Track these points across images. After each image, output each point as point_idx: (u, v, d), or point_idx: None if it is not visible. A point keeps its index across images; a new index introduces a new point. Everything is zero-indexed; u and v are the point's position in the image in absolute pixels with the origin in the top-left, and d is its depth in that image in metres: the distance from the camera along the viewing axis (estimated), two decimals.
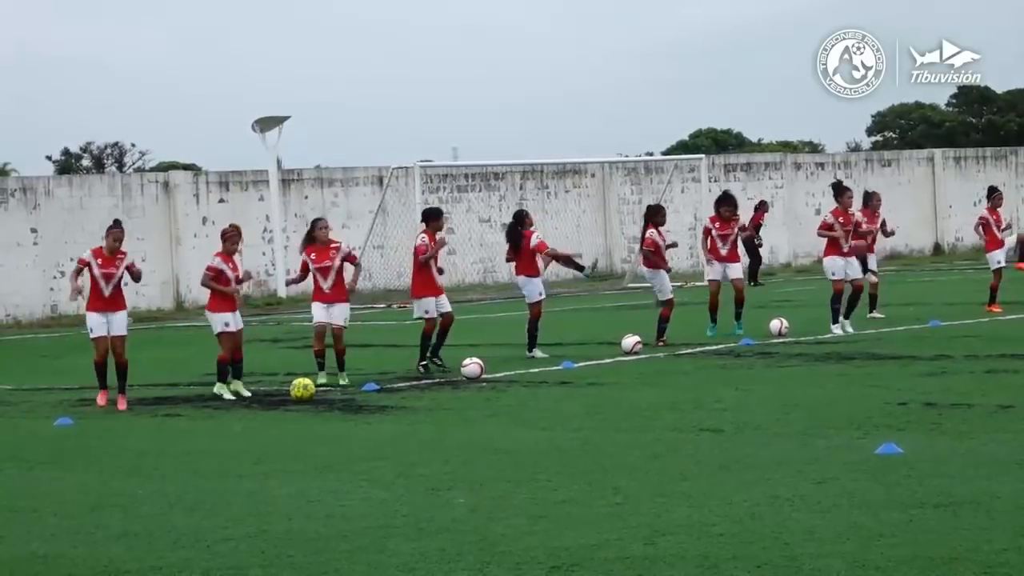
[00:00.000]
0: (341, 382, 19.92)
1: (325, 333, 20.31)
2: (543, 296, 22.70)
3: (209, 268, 19.26)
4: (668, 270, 23.99)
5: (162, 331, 31.91)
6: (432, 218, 21.67)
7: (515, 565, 9.39)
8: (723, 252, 24.64)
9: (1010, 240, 28.03)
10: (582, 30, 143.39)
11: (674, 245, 24.65)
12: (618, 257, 46.13)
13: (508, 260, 23.45)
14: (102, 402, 18.71)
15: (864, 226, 25.23)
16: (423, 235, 21.41)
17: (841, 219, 24.16)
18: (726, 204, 24.97)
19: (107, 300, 18.71)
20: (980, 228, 27.51)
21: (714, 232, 24.73)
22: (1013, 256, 28.49)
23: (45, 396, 20.46)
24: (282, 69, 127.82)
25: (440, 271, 21.53)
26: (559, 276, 40.88)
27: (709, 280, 24.96)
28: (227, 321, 19.03)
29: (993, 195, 28.00)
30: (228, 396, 18.85)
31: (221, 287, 19.07)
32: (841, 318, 24.06)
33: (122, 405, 18.50)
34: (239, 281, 19.23)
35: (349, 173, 42.57)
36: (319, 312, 20.24)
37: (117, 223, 19.37)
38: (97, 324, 18.71)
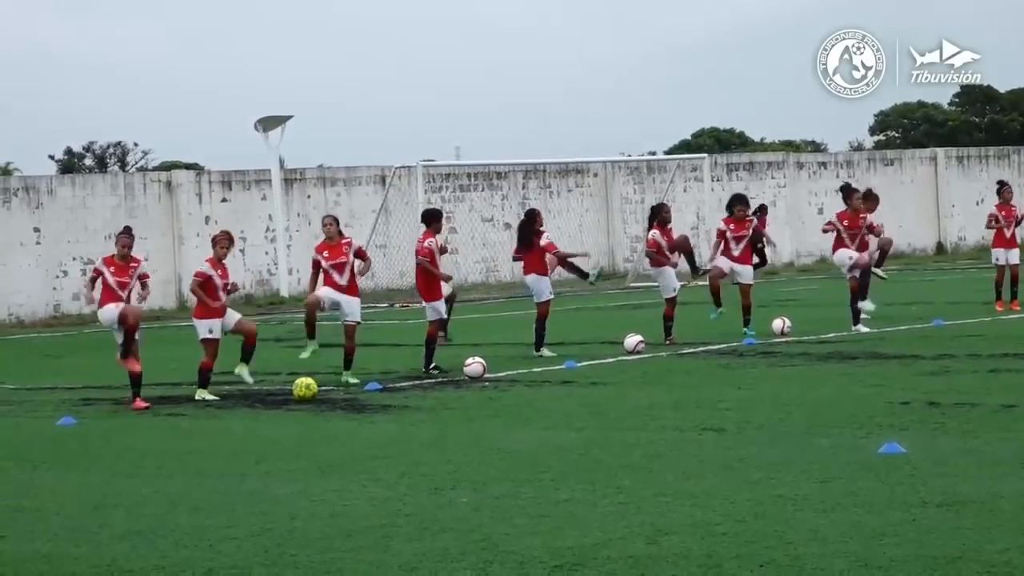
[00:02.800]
0: (351, 381, 19.91)
1: (318, 305, 20.18)
2: (552, 295, 22.70)
3: (197, 274, 19.27)
4: (674, 265, 23.89)
5: (164, 330, 31.91)
6: (432, 220, 21.65)
7: (518, 564, 9.39)
8: (736, 253, 24.30)
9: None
10: (584, 29, 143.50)
11: (675, 260, 24.29)
12: (621, 256, 46.12)
13: (515, 258, 23.45)
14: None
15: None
16: (430, 239, 21.37)
17: (846, 221, 24.16)
18: (741, 203, 24.70)
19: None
20: (992, 222, 27.43)
21: (729, 234, 24.38)
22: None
23: (48, 395, 20.47)
24: (285, 69, 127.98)
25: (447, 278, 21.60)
26: (561, 275, 40.85)
27: (714, 266, 24.37)
28: (211, 328, 18.98)
29: (1002, 189, 27.89)
30: (210, 397, 18.87)
31: (206, 297, 19.03)
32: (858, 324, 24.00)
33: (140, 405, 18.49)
34: (226, 289, 19.17)
35: (352, 172, 42.57)
36: (327, 294, 20.13)
37: (127, 230, 19.23)
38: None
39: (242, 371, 19.21)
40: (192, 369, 19.37)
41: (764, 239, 25.01)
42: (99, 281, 18.89)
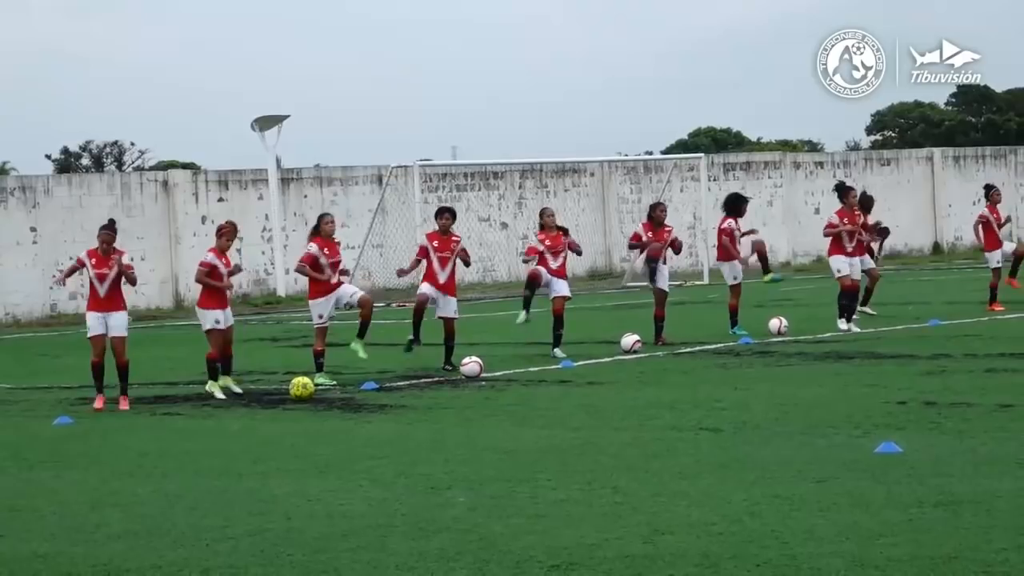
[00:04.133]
0: (360, 354, 20.02)
1: (326, 333, 20.34)
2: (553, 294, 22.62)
3: (202, 263, 19.29)
4: (658, 265, 23.76)
5: (161, 330, 31.91)
6: (435, 216, 21.92)
7: (515, 564, 9.40)
8: (743, 254, 24.51)
9: (1007, 246, 27.82)
10: (582, 30, 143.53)
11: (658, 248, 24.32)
12: (617, 256, 46.13)
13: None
14: (99, 406, 18.54)
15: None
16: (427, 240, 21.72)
17: (846, 219, 24.19)
18: (745, 203, 25.00)
19: (103, 300, 18.71)
20: (979, 227, 27.52)
21: (737, 233, 24.45)
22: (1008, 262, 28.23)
23: (44, 395, 20.47)
24: (281, 68, 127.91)
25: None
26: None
27: (737, 283, 24.31)
28: (217, 318, 19.06)
29: (990, 192, 28.07)
30: (219, 395, 18.86)
31: (214, 282, 19.13)
32: (843, 318, 24.05)
33: (124, 405, 18.48)
34: (231, 274, 19.34)
35: (348, 172, 42.58)
36: (325, 308, 20.22)
37: (108, 224, 19.20)
38: (94, 323, 18.75)
39: (227, 383, 19.13)
40: (189, 369, 19.37)
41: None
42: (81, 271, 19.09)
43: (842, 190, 24.79)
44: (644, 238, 23.66)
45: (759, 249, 24.68)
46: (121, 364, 18.61)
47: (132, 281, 19.02)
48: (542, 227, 22.76)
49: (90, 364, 18.80)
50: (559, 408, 16.78)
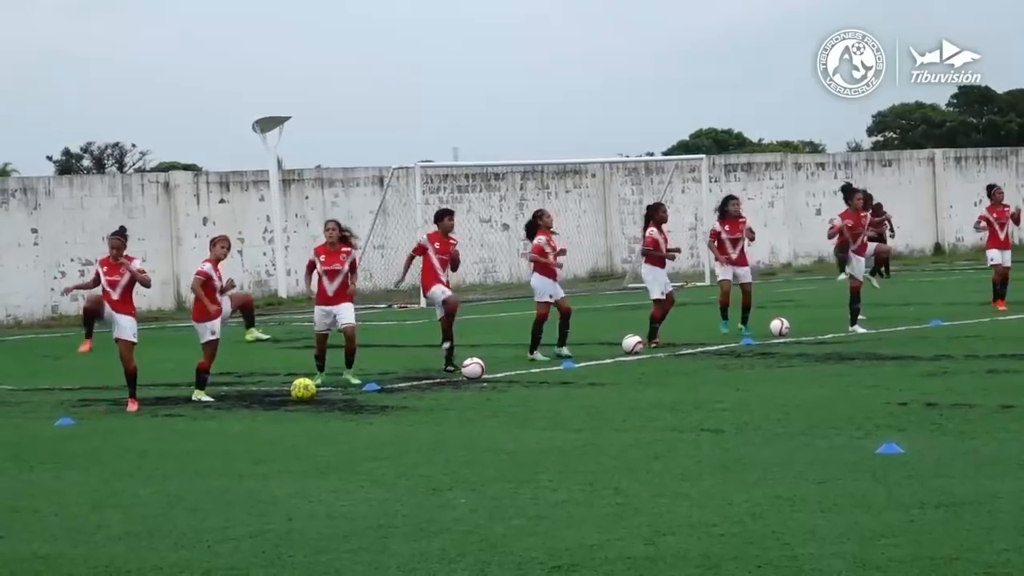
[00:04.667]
0: (353, 381, 19.93)
1: (327, 339, 20.32)
2: (551, 298, 22.47)
3: (199, 272, 19.17)
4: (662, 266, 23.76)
5: (162, 331, 31.91)
6: (437, 219, 21.89)
7: (516, 565, 9.39)
8: (733, 256, 24.34)
9: (1006, 256, 27.68)
10: (582, 30, 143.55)
11: (674, 254, 24.24)
12: (619, 257, 46.13)
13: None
14: (85, 349, 19.18)
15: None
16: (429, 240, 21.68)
17: (850, 221, 24.18)
18: (735, 201, 24.87)
19: (116, 304, 18.69)
20: (982, 223, 27.59)
21: (724, 235, 24.38)
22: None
23: (46, 396, 20.46)
24: (283, 69, 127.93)
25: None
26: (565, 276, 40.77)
27: (721, 280, 24.60)
28: (213, 329, 19.00)
29: (992, 192, 28.12)
30: (206, 399, 18.84)
31: (205, 298, 18.94)
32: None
33: (132, 407, 18.42)
34: (223, 290, 19.25)
35: (349, 173, 42.57)
36: (321, 318, 20.19)
37: (118, 231, 19.18)
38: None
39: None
40: (191, 371, 19.34)
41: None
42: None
43: (848, 192, 24.77)
44: (660, 242, 23.59)
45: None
46: (129, 371, 18.56)
47: (145, 283, 18.98)
48: (543, 228, 22.66)
49: (82, 308, 18.96)
50: (560, 409, 16.78)
